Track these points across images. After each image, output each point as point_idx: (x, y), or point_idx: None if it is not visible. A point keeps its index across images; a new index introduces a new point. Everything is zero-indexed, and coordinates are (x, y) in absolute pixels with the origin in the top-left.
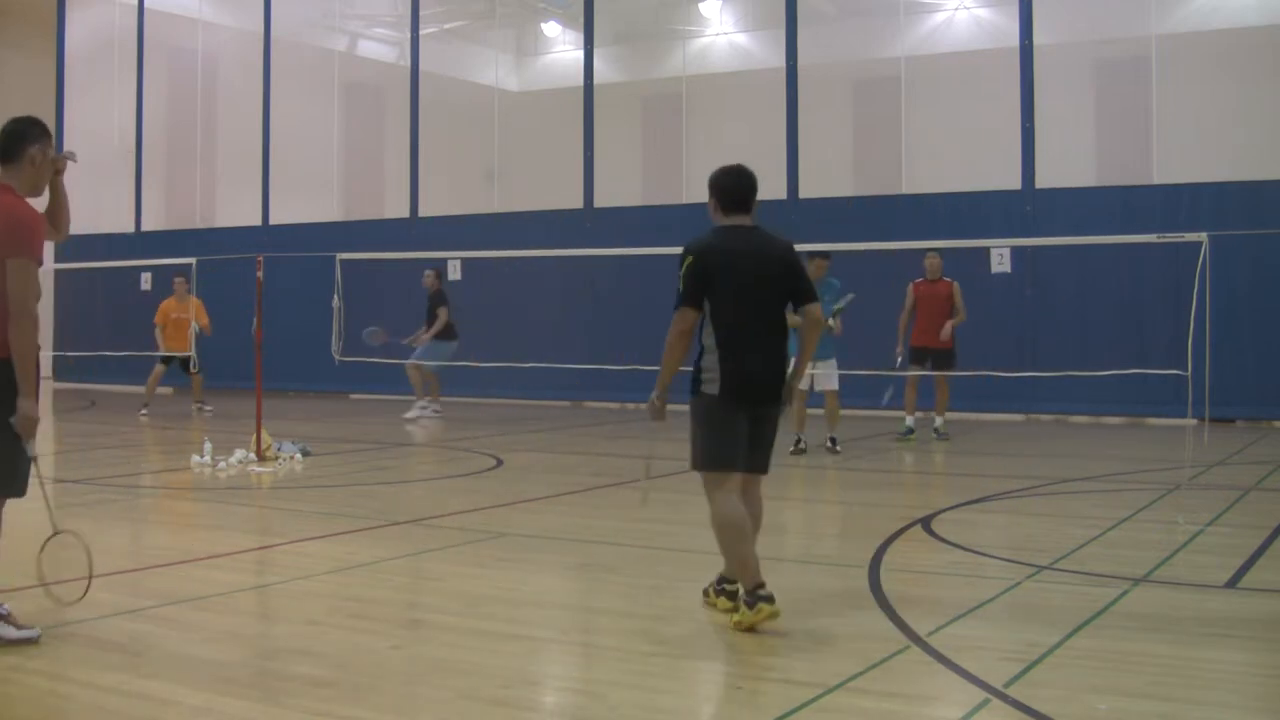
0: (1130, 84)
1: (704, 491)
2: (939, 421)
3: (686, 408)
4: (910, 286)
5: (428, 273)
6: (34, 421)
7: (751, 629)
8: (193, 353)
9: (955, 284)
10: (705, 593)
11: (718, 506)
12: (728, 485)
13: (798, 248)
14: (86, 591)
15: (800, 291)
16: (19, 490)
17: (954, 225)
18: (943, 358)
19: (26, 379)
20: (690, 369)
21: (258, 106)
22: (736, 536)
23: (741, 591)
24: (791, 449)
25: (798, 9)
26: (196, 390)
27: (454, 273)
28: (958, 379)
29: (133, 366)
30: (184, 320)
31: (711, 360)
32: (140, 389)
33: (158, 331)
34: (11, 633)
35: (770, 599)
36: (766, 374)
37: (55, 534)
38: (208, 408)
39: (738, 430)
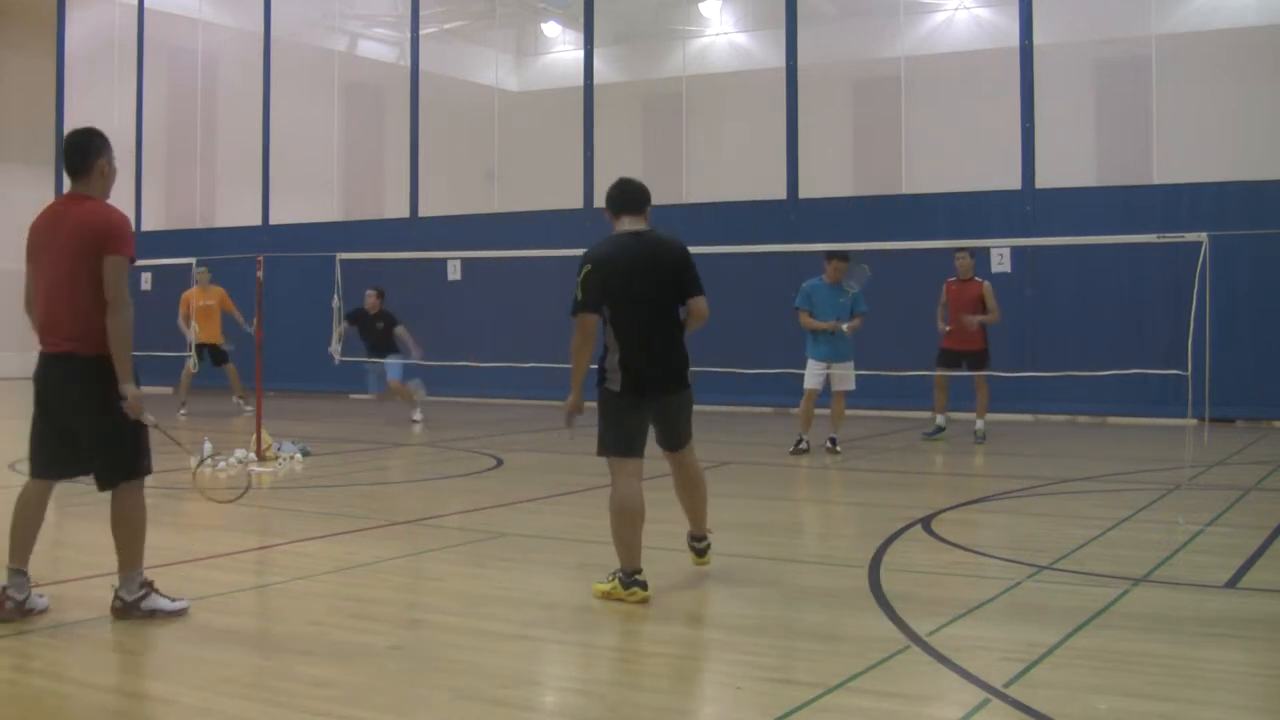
0: (1130, 84)
1: (609, 474)
2: (979, 424)
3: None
4: (944, 286)
5: (369, 293)
6: (140, 398)
7: (606, 598)
8: (222, 340)
9: (986, 284)
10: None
11: (618, 491)
12: (628, 470)
13: (799, 248)
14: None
15: (687, 283)
16: (148, 466)
17: (954, 225)
18: (977, 359)
19: (124, 365)
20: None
21: (258, 106)
22: (628, 522)
23: (620, 573)
24: (792, 449)
25: (798, 9)
26: (235, 385)
27: (454, 273)
28: (960, 379)
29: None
30: (208, 309)
31: (613, 360)
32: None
33: (182, 324)
34: (166, 604)
35: (644, 585)
36: (665, 367)
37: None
38: (248, 406)
39: (639, 422)
